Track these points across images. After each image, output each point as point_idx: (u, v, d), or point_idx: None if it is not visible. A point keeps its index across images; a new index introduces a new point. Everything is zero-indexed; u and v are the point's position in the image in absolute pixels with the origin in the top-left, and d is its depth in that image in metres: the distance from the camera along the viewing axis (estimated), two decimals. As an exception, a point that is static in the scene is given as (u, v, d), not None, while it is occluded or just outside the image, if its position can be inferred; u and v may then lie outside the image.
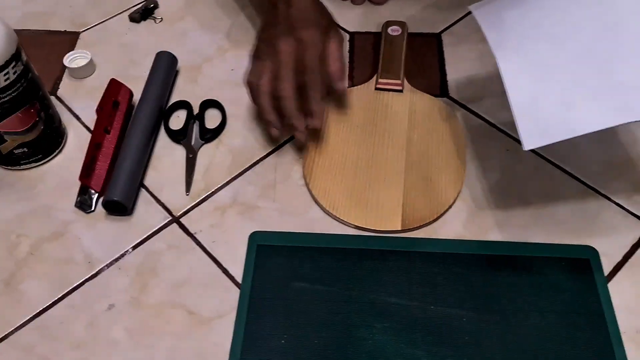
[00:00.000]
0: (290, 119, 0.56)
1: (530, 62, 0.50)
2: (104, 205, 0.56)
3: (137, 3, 0.78)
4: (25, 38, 0.73)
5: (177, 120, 0.64)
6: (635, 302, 0.49)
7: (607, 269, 0.51)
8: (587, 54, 0.48)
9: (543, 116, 0.47)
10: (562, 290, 0.50)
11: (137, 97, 0.64)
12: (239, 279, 0.52)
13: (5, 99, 0.53)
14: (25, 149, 0.58)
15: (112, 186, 0.55)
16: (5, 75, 0.51)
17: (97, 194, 0.57)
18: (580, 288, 0.50)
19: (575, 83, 0.48)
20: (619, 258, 0.52)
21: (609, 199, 0.56)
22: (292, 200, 0.57)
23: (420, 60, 0.69)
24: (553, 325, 0.48)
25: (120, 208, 0.55)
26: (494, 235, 0.54)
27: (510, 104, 0.48)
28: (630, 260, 0.52)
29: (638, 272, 0.51)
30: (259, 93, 0.57)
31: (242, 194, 0.58)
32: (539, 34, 0.51)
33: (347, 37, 0.72)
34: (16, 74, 0.52)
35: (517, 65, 0.50)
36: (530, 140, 0.46)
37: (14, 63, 0.52)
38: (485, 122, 0.63)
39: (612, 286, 0.50)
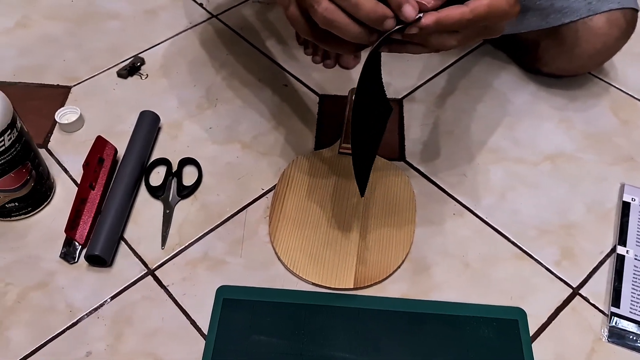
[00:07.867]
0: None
1: None
2: (86, 258, 0.61)
3: (125, 59, 0.85)
4: (19, 91, 0.80)
5: (157, 176, 0.70)
6: (554, 358, 0.56)
7: (532, 329, 0.58)
8: None
9: None
10: (491, 349, 0.56)
11: (121, 152, 0.71)
12: (206, 330, 0.57)
13: (0, 162, 0.58)
14: (16, 203, 0.64)
15: (94, 241, 0.61)
16: (0, 142, 0.57)
17: (80, 247, 0.63)
18: (507, 347, 0.56)
19: None
20: (544, 319, 0.58)
21: (540, 264, 0.63)
22: (258, 256, 0.63)
23: (382, 124, 0.76)
24: (480, 381, 0.54)
25: (101, 261, 0.61)
26: (436, 295, 0.60)
27: None
28: (554, 321, 0.58)
29: (559, 332, 0.58)
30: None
31: (212, 249, 0.64)
32: None
33: (316, 99, 0.79)
34: (11, 140, 0.58)
35: None
36: None
37: (9, 131, 0.58)
38: (436, 186, 0.70)
39: (536, 345, 0.57)
